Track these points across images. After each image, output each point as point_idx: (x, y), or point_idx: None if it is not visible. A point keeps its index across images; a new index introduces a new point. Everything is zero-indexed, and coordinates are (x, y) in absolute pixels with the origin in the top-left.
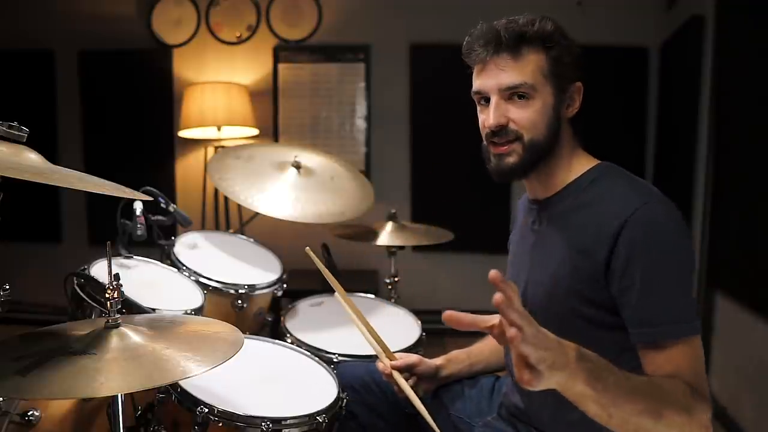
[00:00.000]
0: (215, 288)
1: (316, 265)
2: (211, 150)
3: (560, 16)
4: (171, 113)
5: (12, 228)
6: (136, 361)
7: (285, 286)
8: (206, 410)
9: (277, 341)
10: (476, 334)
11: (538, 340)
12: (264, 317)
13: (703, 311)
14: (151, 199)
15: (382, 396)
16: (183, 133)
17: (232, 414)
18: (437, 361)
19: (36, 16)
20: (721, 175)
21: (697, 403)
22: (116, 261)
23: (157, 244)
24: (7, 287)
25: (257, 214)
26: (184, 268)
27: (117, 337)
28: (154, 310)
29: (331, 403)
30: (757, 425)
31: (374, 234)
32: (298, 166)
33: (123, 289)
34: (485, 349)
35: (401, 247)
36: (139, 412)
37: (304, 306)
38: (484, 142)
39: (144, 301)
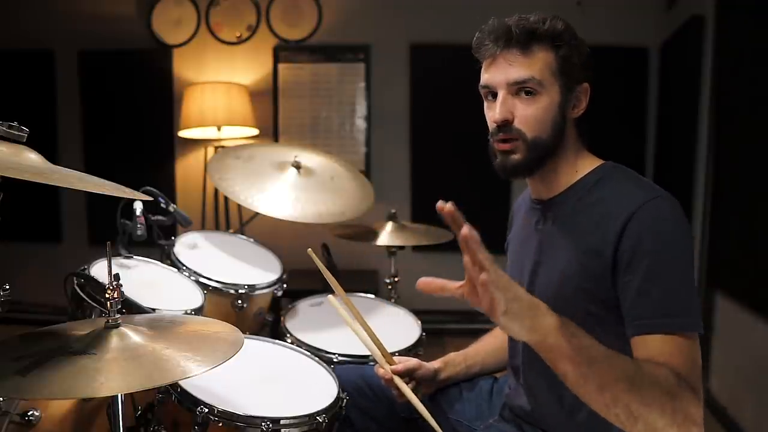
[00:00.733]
0: (215, 288)
1: (316, 266)
2: (211, 150)
3: (560, 16)
4: (171, 113)
5: (12, 228)
6: (136, 361)
7: (285, 286)
8: (206, 410)
9: (277, 341)
10: (475, 335)
11: (505, 282)
12: (264, 317)
13: (703, 311)
14: (151, 199)
15: (376, 400)
16: (183, 133)
17: (232, 414)
18: (435, 364)
19: (36, 16)
20: (721, 175)
21: (683, 392)
22: (116, 261)
23: (157, 244)
24: (7, 287)
25: (257, 214)
26: (184, 268)
27: (117, 337)
28: (154, 310)
29: (331, 403)
30: (757, 425)
31: (374, 234)
32: (298, 166)
33: (123, 289)
34: (481, 350)
35: (401, 247)
36: (139, 412)
37: (304, 306)
38: (491, 140)
39: (144, 301)
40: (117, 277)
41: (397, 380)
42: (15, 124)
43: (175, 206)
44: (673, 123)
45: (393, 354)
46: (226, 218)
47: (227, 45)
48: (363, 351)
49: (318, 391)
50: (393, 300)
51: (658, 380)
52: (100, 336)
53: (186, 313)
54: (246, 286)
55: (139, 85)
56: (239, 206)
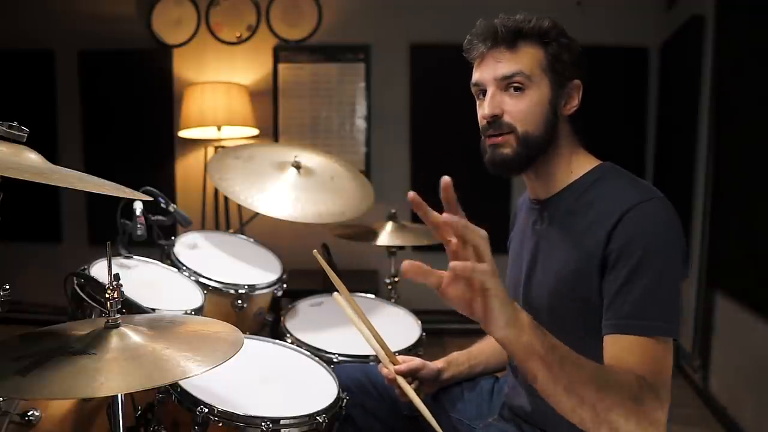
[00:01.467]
0: (215, 288)
1: (316, 267)
2: (211, 150)
3: (560, 16)
4: (171, 113)
5: (12, 228)
6: (136, 361)
7: (285, 286)
8: (206, 410)
9: (277, 341)
10: (476, 335)
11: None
12: (264, 317)
13: (703, 311)
14: (151, 199)
15: (379, 398)
16: (183, 133)
17: (232, 414)
18: (438, 363)
19: (36, 16)
20: (721, 175)
21: (647, 396)
22: (116, 261)
23: (157, 244)
24: (7, 287)
25: (257, 214)
26: (184, 268)
27: (117, 337)
28: (154, 310)
29: (331, 403)
30: (757, 425)
31: (374, 234)
32: (298, 166)
33: (123, 289)
34: (485, 349)
35: (401, 247)
36: (139, 412)
37: (304, 306)
38: (482, 136)
39: (144, 301)
40: (117, 277)
41: (401, 380)
42: (15, 124)
43: (175, 206)
44: (673, 123)
45: (395, 354)
46: (226, 218)
47: (227, 45)
48: (363, 351)
49: (318, 391)
50: (393, 300)
51: (623, 384)
52: (100, 336)
53: (186, 313)
54: (246, 286)
55: (139, 85)
56: (239, 206)
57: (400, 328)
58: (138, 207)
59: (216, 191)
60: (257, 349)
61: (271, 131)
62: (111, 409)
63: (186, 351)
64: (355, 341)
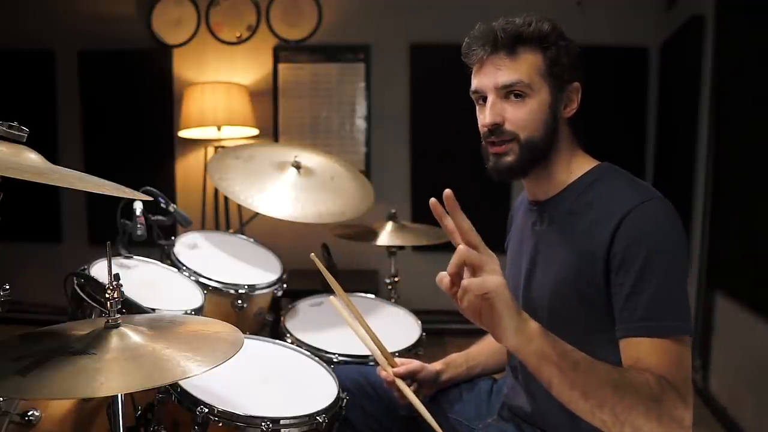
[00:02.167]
0: (215, 288)
1: (316, 267)
2: (211, 150)
3: (560, 16)
4: (171, 113)
5: (12, 228)
6: (136, 361)
7: (285, 286)
8: (206, 410)
9: (277, 341)
10: (476, 335)
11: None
12: (264, 317)
13: (703, 311)
14: (151, 199)
15: (377, 399)
16: (183, 133)
17: (232, 414)
18: (436, 365)
19: (36, 16)
20: (721, 175)
21: (668, 395)
22: (116, 261)
23: (157, 244)
24: (7, 287)
25: (257, 214)
26: (184, 268)
27: (117, 337)
28: (154, 310)
29: (331, 403)
30: (757, 425)
31: (374, 234)
32: (298, 166)
33: (123, 289)
34: (483, 351)
35: (401, 247)
36: (139, 412)
37: (304, 306)
38: (483, 142)
39: (144, 301)
40: (117, 277)
41: (399, 382)
42: (15, 124)
43: (175, 206)
44: (673, 123)
45: (394, 355)
46: (226, 218)
47: (227, 45)
48: (363, 351)
49: (318, 391)
50: (393, 300)
51: (641, 384)
52: (100, 336)
53: (186, 313)
54: (246, 286)
55: (139, 85)
56: (239, 206)
57: (400, 328)
58: (138, 207)
59: (216, 191)
60: (257, 349)
61: (271, 131)
62: (111, 409)
63: (186, 351)
64: (355, 341)
